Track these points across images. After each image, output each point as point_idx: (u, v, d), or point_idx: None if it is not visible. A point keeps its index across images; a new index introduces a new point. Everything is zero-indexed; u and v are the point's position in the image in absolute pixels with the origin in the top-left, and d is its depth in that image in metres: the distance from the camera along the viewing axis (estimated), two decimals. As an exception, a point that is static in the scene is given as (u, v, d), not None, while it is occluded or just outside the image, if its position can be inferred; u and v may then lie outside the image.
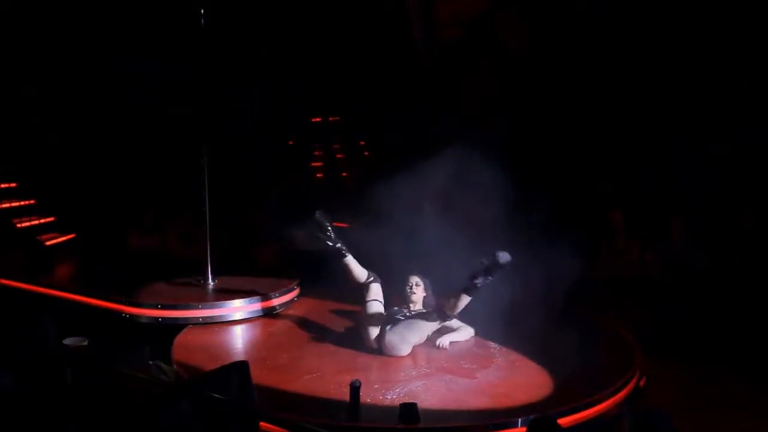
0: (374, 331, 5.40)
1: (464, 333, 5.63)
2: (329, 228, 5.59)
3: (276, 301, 6.52)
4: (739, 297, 6.43)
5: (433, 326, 5.51)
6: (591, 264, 7.01)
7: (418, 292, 5.66)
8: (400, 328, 5.36)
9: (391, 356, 5.30)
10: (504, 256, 5.02)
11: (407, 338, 5.36)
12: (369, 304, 5.53)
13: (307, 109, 11.93)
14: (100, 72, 10.14)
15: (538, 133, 9.46)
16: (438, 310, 5.51)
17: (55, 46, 9.82)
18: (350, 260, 5.62)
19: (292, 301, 6.75)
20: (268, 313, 6.43)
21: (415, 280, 5.69)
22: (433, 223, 6.01)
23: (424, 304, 5.66)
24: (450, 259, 5.56)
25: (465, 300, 5.29)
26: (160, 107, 9.87)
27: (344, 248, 5.61)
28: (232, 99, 9.93)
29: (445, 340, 5.48)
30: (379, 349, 5.37)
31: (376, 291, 5.60)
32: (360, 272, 5.63)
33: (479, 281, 5.12)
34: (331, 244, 5.59)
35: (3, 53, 9.26)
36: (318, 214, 5.58)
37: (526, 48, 9.85)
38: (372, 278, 5.63)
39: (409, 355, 5.33)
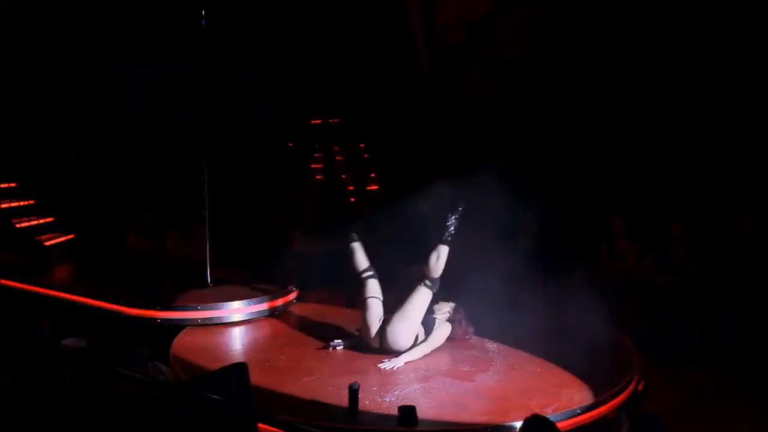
0: (374, 328, 5.38)
1: (424, 347, 5.36)
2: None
3: (274, 303, 6.52)
4: (739, 302, 6.43)
5: (425, 301, 5.39)
6: (590, 267, 7.02)
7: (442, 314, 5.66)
8: (395, 319, 5.32)
9: (395, 351, 5.27)
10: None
11: (405, 326, 5.29)
12: (367, 301, 5.48)
13: (307, 111, 11.95)
14: (100, 73, 10.15)
15: (537, 135, 9.49)
16: (421, 278, 5.41)
17: (55, 48, 9.83)
18: (357, 246, 5.67)
19: (290, 302, 6.75)
20: (267, 315, 6.43)
21: (449, 306, 5.66)
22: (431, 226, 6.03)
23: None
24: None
25: (444, 251, 5.33)
26: (160, 108, 9.89)
27: (355, 236, 5.73)
28: (232, 100, 9.94)
29: (397, 362, 5.18)
30: (381, 347, 5.36)
31: (373, 288, 5.53)
32: (361, 261, 5.63)
33: (451, 225, 5.38)
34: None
35: (3, 53, 9.27)
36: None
37: (527, 50, 9.88)
38: (371, 273, 5.58)
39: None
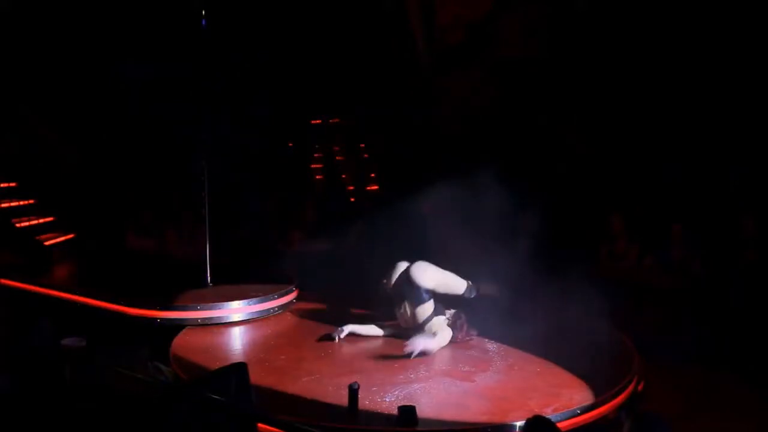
0: (395, 276, 5.56)
1: (439, 339, 5.42)
2: None
3: (274, 303, 6.52)
4: (739, 302, 6.44)
5: (457, 285, 5.60)
6: (590, 267, 7.02)
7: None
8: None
9: (411, 286, 5.43)
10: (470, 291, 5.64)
11: (433, 269, 5.48)
12: None
13: (307, 111, 11.95)
14: (100, 73, 10.15)
15: (537, 135, 9.48)
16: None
17: (56, 48, 9.84)
18: None
19: (290, 302, 6.75)
20: (267, 315, 6.43)
21: (450, 313, 5.72)
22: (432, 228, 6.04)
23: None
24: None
25: (473, 290, 5.65)
26: (160, 108, 9.89)
27: None
28: (232, 100, 9.94)
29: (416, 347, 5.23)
30: (395, 288, 5.53)
31: None
32: None
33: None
34: None
35: (3, 53, 9.28)
36: None
37: (527, 50, 9.88)
38: None
39: (407, 358, 5.29)
